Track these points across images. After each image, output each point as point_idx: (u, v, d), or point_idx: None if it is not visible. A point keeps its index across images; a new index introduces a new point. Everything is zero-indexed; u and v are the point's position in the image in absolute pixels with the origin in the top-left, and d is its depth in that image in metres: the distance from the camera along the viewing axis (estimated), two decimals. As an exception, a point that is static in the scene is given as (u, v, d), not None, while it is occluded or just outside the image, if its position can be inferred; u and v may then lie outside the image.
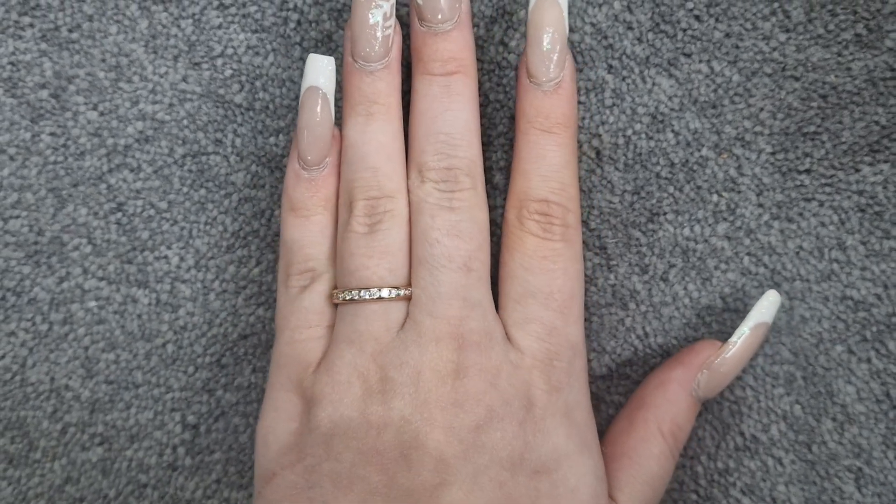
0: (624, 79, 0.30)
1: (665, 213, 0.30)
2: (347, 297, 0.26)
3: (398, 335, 0.25)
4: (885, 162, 0.29)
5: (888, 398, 0.29)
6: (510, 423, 0.25)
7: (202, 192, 0.30)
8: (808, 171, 0.29)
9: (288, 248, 0.27)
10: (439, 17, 0.26)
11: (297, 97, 0.30)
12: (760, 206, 0.29)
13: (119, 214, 0.30)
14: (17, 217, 0.30)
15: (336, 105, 0.28)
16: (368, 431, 0.25)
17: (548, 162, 0.27)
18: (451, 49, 0.27)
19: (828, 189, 0.29)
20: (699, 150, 0.30)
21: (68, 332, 0.30)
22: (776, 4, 0.29)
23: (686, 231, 0.30)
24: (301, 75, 0.30)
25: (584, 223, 0.30)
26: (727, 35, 0.29)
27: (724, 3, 0.29)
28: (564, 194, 0.27)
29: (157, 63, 0.30)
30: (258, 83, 0.30)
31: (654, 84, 0.30)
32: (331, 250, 0.27)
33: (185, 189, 0.30)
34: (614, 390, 0.30)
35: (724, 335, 0.29)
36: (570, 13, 0.30)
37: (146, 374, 0.30)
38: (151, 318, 0.30)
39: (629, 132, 0.30)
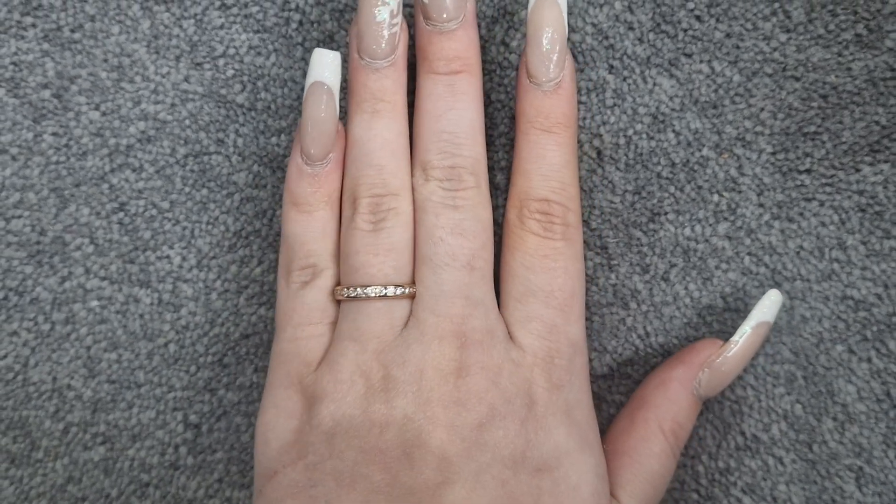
0: (625, 79, 0.30)
1: (666, 213, 0.30)
2: (352, 294, 0.26)
3: (401, 333, 0.25)
4: (886, 162, 0.29)
5: (889, 397, 0.29)
6: (512, 422, 0.25)
7: (204, 191, 0.30)
8: (808, 171, 0.29)
9: (289, 243, 0.27)
10: (444, 16, 0.26)
11: (298, 97, 0.30)
12: (761, 205, 0.29)
13: (121, 214, 0.30)
14: (20, 217, 0.30)
15: (340, 101, 0.28)
16: (371, 430, 0.25)
17: (548, 161, 0.27)
18: (456, 48, 0.27)
19: (828, 189, 0.29)
20: (700, 150, 0.30)
21: (70, 332, 0.30)
22: (777, 5, 0.29)
23: (687, 231, 0.30)
24: (303, 75, 0.30)
25: (586, 223, 0.30)
26: (728, 35, 0.30)
27: (724, 4, 0.30)
28: (565, 193, 0.27)
29: (160, 63, 0.30)
30: (260, 83, 0.30)
31: (654, 84, 0.30)
32: (333, 246, 0.27)
33: (187, 189, 0.30)
34: (615, 390, 0.30)
35: (725, 334, 0.29)
36: (571, 13, 0.30)
37: (148, 373, 0.30)
38: (153, 318, 0.30)
39: (630, 132, 0.30)
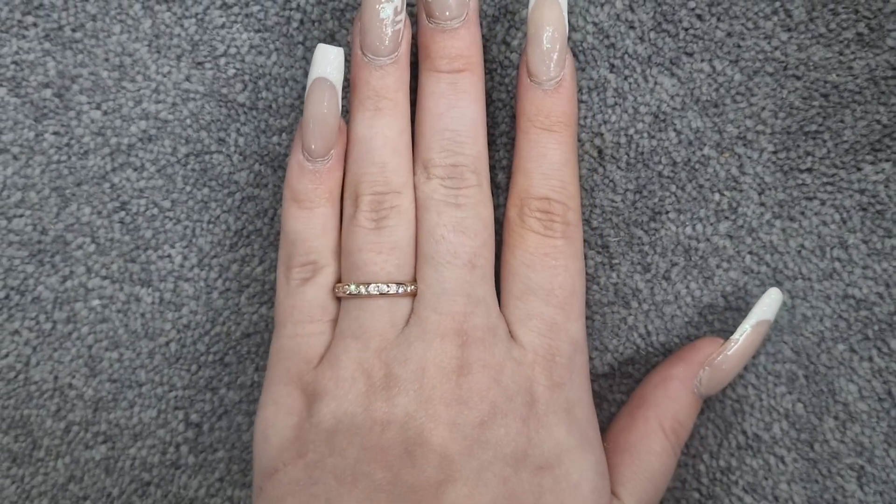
0: (626, 78, 0.30)
1: (667, 212, 0.30)
2: (354, 292, 0.26)
3: (403, 331, 0.25)
4: (887, 161, 0.29)
5: (890, 396, 0.29)
6: (513, 420, 0.25)
7: (205, 190, 0.30)
8: (809, 170, 0.29)
9: (290, 239, 0.27)
10: (447, 14, 0.26)
11: (300, 97, 0.30)
12: (762, 204, 0.29)
13: (122, 213, 0.30)
14: (21, 216, 0.30)
15: (342, 98, 0.28)
16: (372, 428, 0.25)
17: (549, 160, 0.27)
18: (459, 46, 0.27)
19: (829, 188, 0.29)
20: (701, 149, 0.30)
21: (72, 331, 0.30)
22: (778, 3, 0.29)
23: (688, 230, 0.30)
24: (304, 74, 0.30)
25: (587, 221, 0.30)
26: (729, 34, 0.30)
27: (725, 3, 0.30)
28: (565, 192, 0.27)
29: (161, 62, 0.30)
30: (261, 82, 0.30)
31: (656, 83, 0.30)
32: (334, 243, 0.27)
33: (188, 188, 0.30)
34: (616, 389, 0.30)
35: (726, 333, 0.29)
36: (572, 12, 0.30)
37: (149, 372, 0.30)
38: (155, 317, 0.30)
39: (631, 131, 0.30)
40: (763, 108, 0.29)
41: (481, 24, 0.30)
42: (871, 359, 0.29)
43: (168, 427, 0.30)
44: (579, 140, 0.30)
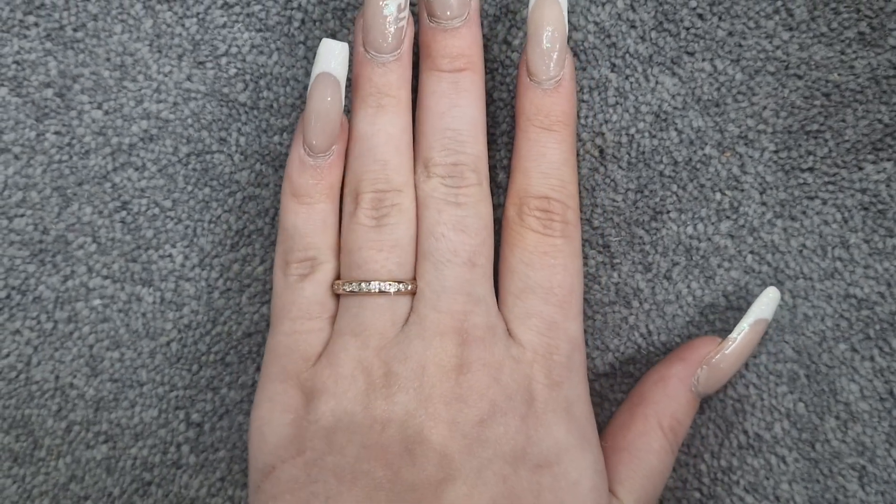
0: (627, 77, 0.30)
1: (668, 212, 0.30)
2: (354, 290, 0.26)
3: (403, 329, 0.25)
4: (889, 160, 0.29)
5: (891, 396, 0.29)
6: (512, 418, 0.25)
7: (206, 190, 0.30)
8: (811, 170, 0.29)
9: (288, 234, 0.27)
10: (449, 13, 0.26)
11: (301, 96, 0.30)
12: (763, 204, 0.29)
13: (123, 213, 0.30)
14: (22, 216, 0.30)
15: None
16: (372, 426, 0.25)
17: (548, 159, 0.27)
18: (460, 46, 0.27)
19: (831, 187, 0.29)
20: (702, 149, 0.30)
21: (73, 331, 0.30)
22: (779, 3, 0.29)
23: (689, 229, 0.30)
24: (305, 74, 0.30)
25: (588, 221, 0.30)
26: (730, 33, 0.30)
27: (727, 2, 0.29)
28: (564, 191, 0.27)
29: (162, 62, 0.30)
30: (262, 82, 0.30)
31: (657, 82, 0.30)
32: (332, 240, 0.27)
33: (189, 188, 0.30)
34: (617, 388, 0.30)
35: (727, 333, 0.29)
36: (573, 12, 0.30)
37: (151, 372, 0.30)
38: (156, 317, 0.30)
39: (632, 130, 0.30)
40: (764, 108, 0.29)
41: (482, 24, 0.30)
42: (872, 358, 0.29)
43: (169, 427, 0.30)
44: (581, 139, 0.30)
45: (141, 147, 0.30)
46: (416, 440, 0.24)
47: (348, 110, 0.29)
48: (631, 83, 0.30)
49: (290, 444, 0.25)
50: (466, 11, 0.27)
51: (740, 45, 0.29)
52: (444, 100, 0.27)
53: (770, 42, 0.29)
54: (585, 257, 0.30)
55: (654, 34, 0.30)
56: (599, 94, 0.30)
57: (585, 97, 0.30)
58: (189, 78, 0.30)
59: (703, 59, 0.30)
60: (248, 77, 0.30)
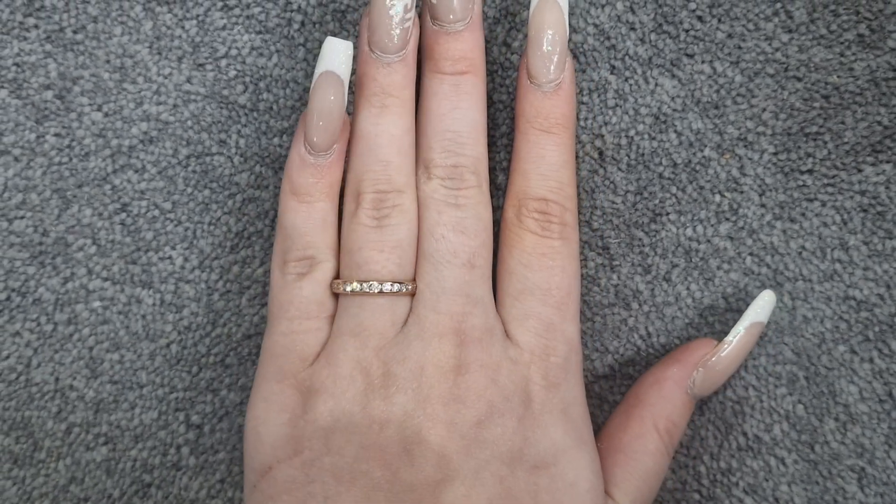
0: (627, 79, 0.30)
1: (668, 214, 0.30)
2: (354, 290, 0.26)
3: (402, 330, 0.26)
4: (888, 162, 0.29)
5: (891, 398, 0.29)
6: (510, 419, 0.25)
7: (206, 192, 0.30)
8: (810, 172, 0.29)
9: (287, 232, 0.27)
10: (451, 17, 0.26)
11: (301, 98, 0.30)
12: (763, 206, 0.29)
13: (123, 215, 0.30)
14: (22, 218, 0.30)
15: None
16: (371, 426, 0.25)
17: (547, 161, 0.27)
18: (462, 49, 0.27)
19: (830, 189, 0.29)
20: (702, 151, 0.30)
21: (73, 333, 0.30)
22: (779, 5, 0.29)
23: (689, 231, 0.30)
24: (305, 76, 0.30)
25: (587, 223, 0.30)
26: (730, 36, 0.30)
27: (726, 4, 0.30)
28: (563, 193, 0.27)
29: (162, 64, 0.30)
30: (262, 84, 0.30)
31: (656, 85, 0.30)
32: (332, 239, 0.27)
33: (189, 190, 0.30)
34: (617, 390, 0.30)
35: (726, 335, 0.29)
36: (572, 14, 0.30)
37: (150, 374, 0.30)
38: (156, 319, 0.30)
39: (632, 133, 0.30)
40: (764, 110, 0.29)
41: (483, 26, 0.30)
42: (871, 360, 0.29)
43: (169, 429, 0.30)
44: (580, 141, 0.30)
45: (141, 149, 0.30)
46: (414, 441, 0.24)
47: (350, 110, 0.29)
48: (630, 85, 0.30)
49: (286, 444, 0.25)
50: (469, 15, 0.27)
51: (740, 48, 0.29)
52: (445, 102, 0.27)
53: (769, 44, 0.29)
54: (585, 259, 0.30)
55: (653, 36, 0.30)
56: (599, 96, 0.30)
57: (585, 99, 0.30)
58: (189, 80, 0.30)
59: (703, 62, 0.30)
60: (247, 79, 0.30)
